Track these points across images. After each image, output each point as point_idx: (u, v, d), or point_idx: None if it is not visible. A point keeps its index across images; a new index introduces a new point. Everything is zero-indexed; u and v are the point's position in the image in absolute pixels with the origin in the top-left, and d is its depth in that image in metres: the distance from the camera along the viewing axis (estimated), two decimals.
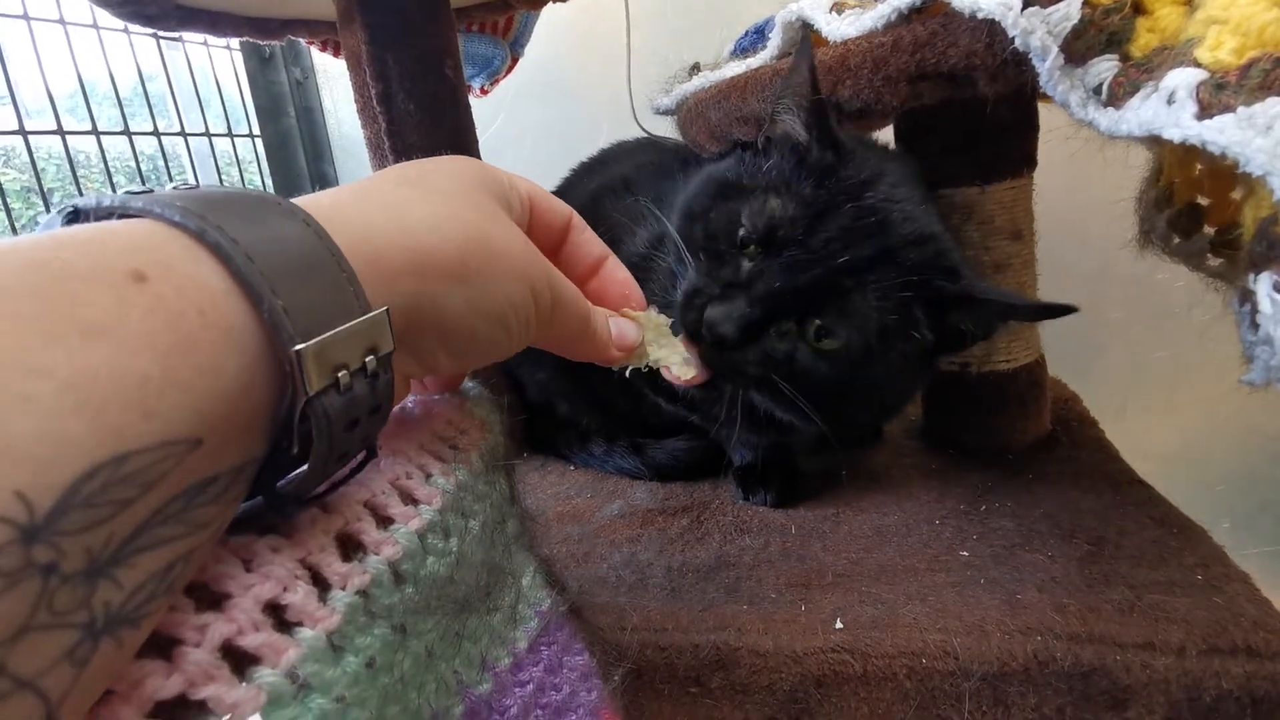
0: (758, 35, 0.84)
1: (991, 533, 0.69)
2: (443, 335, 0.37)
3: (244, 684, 0.26)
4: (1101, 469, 0.79)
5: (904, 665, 0.55)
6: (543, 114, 1.63)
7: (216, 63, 1.49)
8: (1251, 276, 0.43)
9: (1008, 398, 0.84)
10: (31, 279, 0.22)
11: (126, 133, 1.23)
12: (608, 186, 0.96)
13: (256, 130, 1.62)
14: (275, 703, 0.26)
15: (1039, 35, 0.51)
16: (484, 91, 1.34)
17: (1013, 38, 0.52)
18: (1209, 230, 0.59)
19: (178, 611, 0.26)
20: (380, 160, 0.94)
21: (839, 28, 0.68)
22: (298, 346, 0.27)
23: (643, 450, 0.93)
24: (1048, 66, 0.52)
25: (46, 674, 0.20)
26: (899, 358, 0.64)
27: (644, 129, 1.18)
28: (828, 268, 0.61)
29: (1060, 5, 0.51)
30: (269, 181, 1.64)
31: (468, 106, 0.97)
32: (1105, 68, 0.51)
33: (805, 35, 0.65)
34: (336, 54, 1.22)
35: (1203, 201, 0.59)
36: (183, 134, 1.38)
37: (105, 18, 1.06)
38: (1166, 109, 0.45)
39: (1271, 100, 0.40)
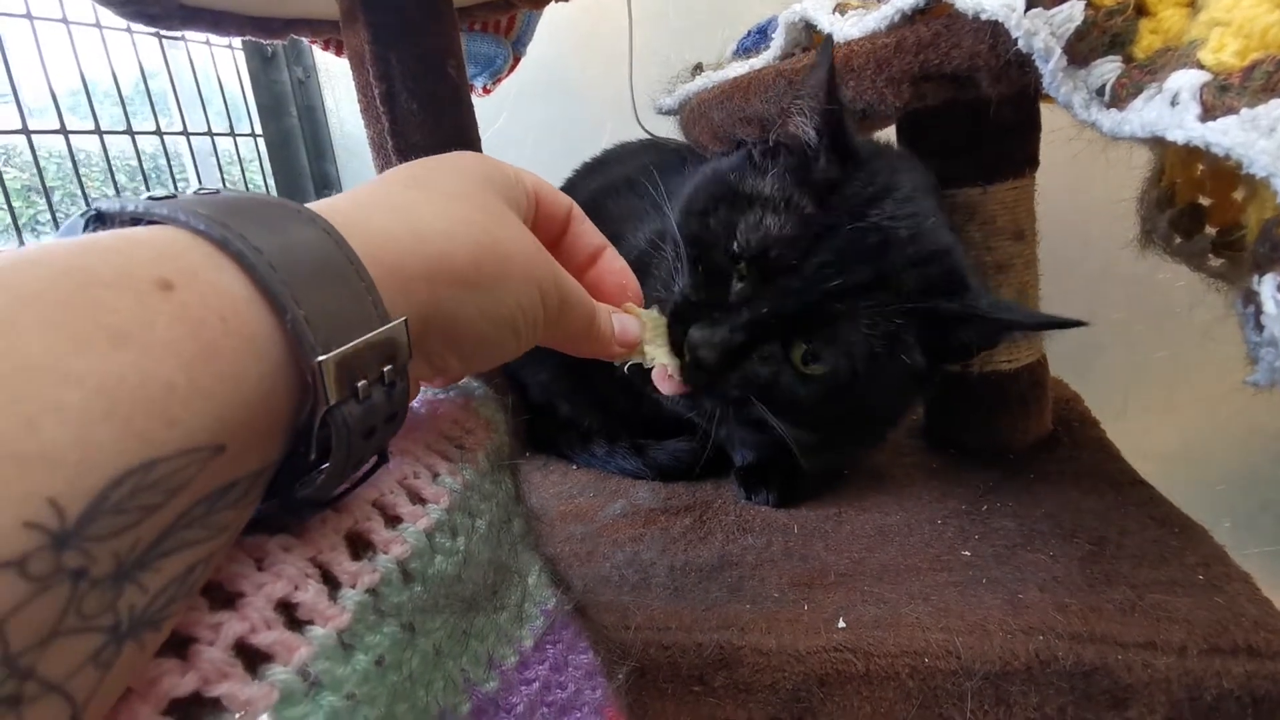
0: (760, 35, 0.85)
1: (993, 532, 0.69)
2: (454, 340, 0.37)
3: (257, 681, 0.26)
4: (1103, 469, 0.79)
5: (906, 664, 0.55)
6: (545, 113, 1.63)
7: (219, 61, 1.49)
8: (1255, 278, 0.43)
9: (1009, 398, 0.84)
10: (60, 287, 0.22)
11: (129, 132, 1.23)
12: (610, 186, 0.96)
13: (259, 129, 1.62)
14: (287, 700, 0.26)
15: (1042, 37, 0.51)
16: (486, 91, 1.35)
17: (1016, 39, 0.53)
18: (1211, 231, 0.59)
19: (193, 610, 0.26)
20: (383, 159, 0.94)
21: (842, 28, 0.68)
22: (320, 357, 0.27)
23: (644, 451, 0.93)
24: (1051, 68, 0.52)
25: (73, 677, 0.20)
26: (888, 381, 0.64)
27: (646, 129, 1.18)
28: (818, 292, 0.61)
29: (1063, 7, 0.51)
30: (271, 181, 1.65)
31: (470, 106, 0.97)
32: (1108, 69, 0.51)
33: (828, 38, 0.64)
34: (339, 53, 1.22)
35: (1204, 202, 0.60)
36: (185, 133, 1.38)
37: (108, 16, 1.06)
38: (1170, 110, 0.45)
39: (1275, 102, 0.41)
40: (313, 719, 0.27)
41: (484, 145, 1.00)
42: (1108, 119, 0.50)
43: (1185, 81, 0.44)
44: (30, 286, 0.22)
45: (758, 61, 0.79)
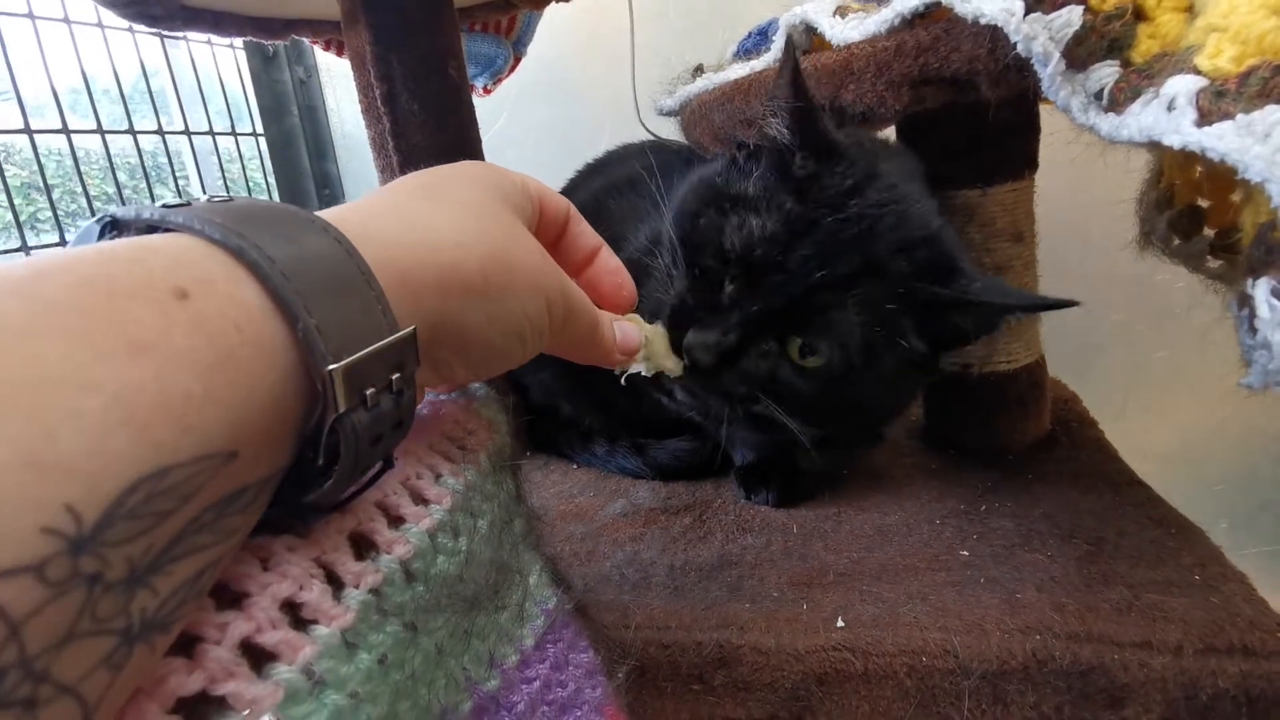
0: (761, 37, 0.85)
1: (991, 532, 0.69)
2: (461, 348, 0.38)
3: (262, 680, 0.26)
4: (1101, 469, 0.79)
5: (904, 663, 0.56)
6: (546, 113, 1.63)
7: (220, 61, 1.49)
8: (1250, 281, 0.43)
9: (1008, 398, 0.84)
10: (81, 296, 0.22)
11: (131, 131, 1.23)
12: (612, 186, 0.97)
13: (260, 129, 1.62)
14: (292, 698, 0.27)
15: (1041, 41, 0.52)
16: (487, 91, 1.35)
17: (1015, 43, 0.53)
18: (1209, 232, 0.60)
19: (200, 610, 0.26)
20: (384, 160, 0.95)
21: (842, 31, 0.68)
22: (330, 366, 0.27)
23: (645, 450, 0.93)
24: (1049, 72, 0.52)
25: (86, 679, 0.20)
26: (888, 368, 0.64)
27: (649, 130, 1.18)
28: (805, 286, 0.61)
29: (1062, 11, 0.52)
30: (272, 180, 1.65)
31: (471, 106, 0.97)
32: (1106, 73, 0.51)
33: (788, 39, 0.65)
34: (340, 53, 1.22)
35: (1203, 204, 0.60)
36: (186, 132, 1.38)
37: (110, 16, 1.07)
38: (1167, 115, 0.45)
39: (1270, 108, 0.41)
40: (317, 717, 0.27)
41: (485, 146, 1.00)
42: (1106, 123, 0.51)
43: (1182, 87, 0.45)
44: (52, 295, 0.22)
45: (758, 63, 0.80)
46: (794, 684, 0.58)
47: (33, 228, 1.15)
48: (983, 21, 0.54)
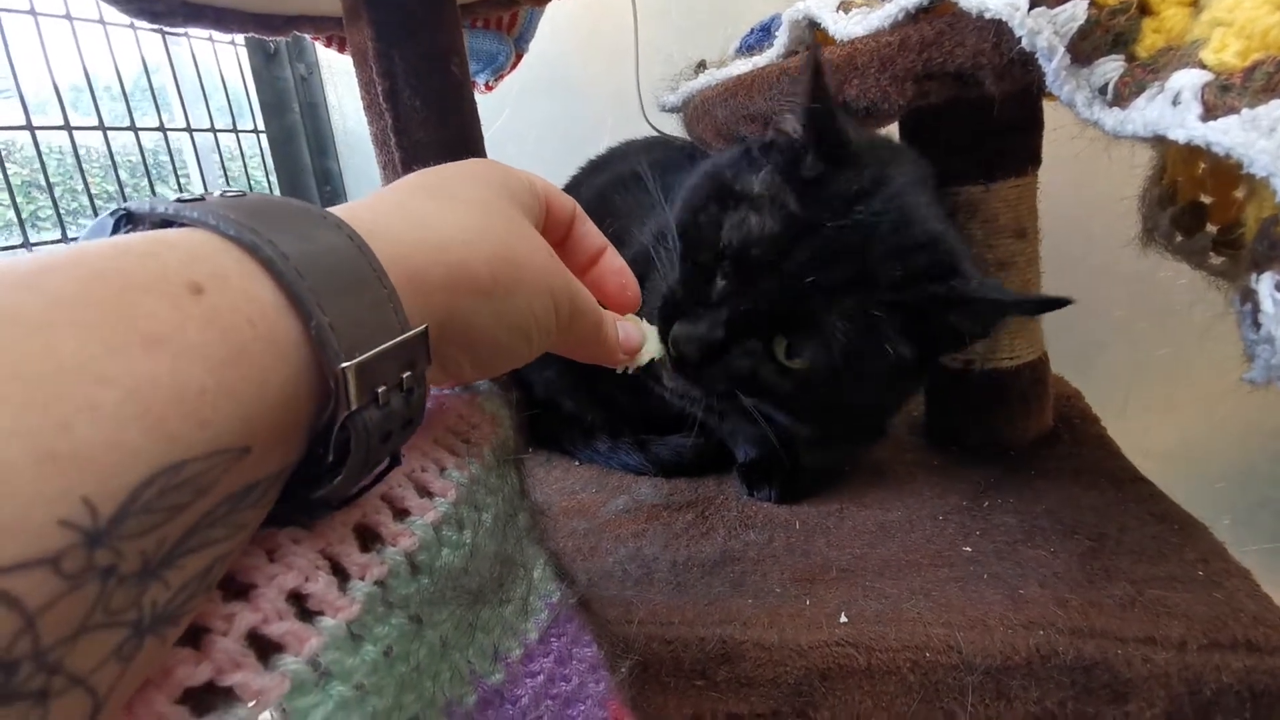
0: (764, 33, 0.85)
1: (994, 528, 0.69)
2: (469, 347, 0.38)
3: (269, 671, 0.26)
4: (1103, 466, 0.79)
5: (908, 659, 0.56)
6: (547, 110, 1.63)
7: (221, 57, 1.49)
8: (1253, 276, 0.43)
9: (1010, 395, 0.84)
10: (95, 290, 0.22)
11: (133, 128, 1.23)
12: (617, 182, 0.97)
13: (261, 125, 1.62)
14: (298, 690, 0.27)
15: (1046, 35, 0.52)
16: (489, 87, 1.35)
17: (1019, 37, 0.53)
18: (1211, 229, 0.60)
19: (207, 601, 0.26)
20: (386, 156, 0.95)
21: (846, 26, 0.68)
22: (343, 364, 0.27)
23: (647, 446, 0.93)
24: (1054, 66, 0.52)
25: (97, 671, 0.20)
26: (873, 374, 0.64)
27: (653, 126, 1.18)
28: (795, 290, 0.62)
29: (1067, 6, 0.52)
30: (273, 177, 1.65)
31: (473, 103, 0.97)
32: (1111, 68, 0.51)
33: (814, 45, 0.65)
34: (341, 50, 1.22)
35: (1205, 200, 0.60)
36: (188, 129, 1.38)
37: (111, 12, 1.07)
38: (1172, 110, 0.45)
39: (1275, 102, 0.41)
40: (323, 708, 0.28)
41: (486, 142, 1.00)
42: (1110, 118, 0.51)
43: (1187, 81, 0.45)
44: (67, 289, 0.22)
45: (761, 59, 0.80)
46: (797, 679, 0.58)
47: (34, 225, 1.15)
48: (987, 16, 0.54)
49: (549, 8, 1.26)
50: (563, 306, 0.42)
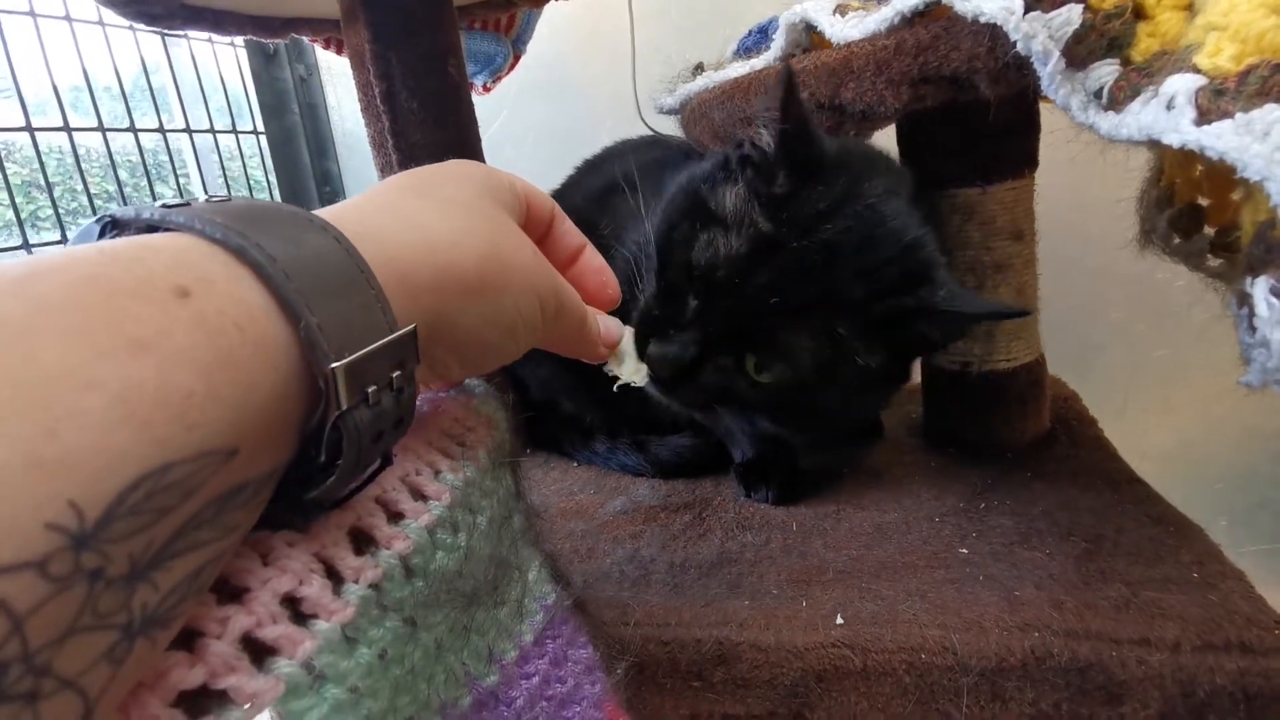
0: (761, 35, 0.85)
1: (990, 530, 0.70)
2: (456, 346, 0.38)
3: (263, 674, 0.27)
4: (1100, 467, 0.79)
5: (903, 660, 0.56)
6: (545, 111, 1.63)
7: (221, 59, 1.49)
8: (1249, 280, 0.43)
9: (1007, 397, 0.84)
10: (82, 294, 0.23)
11: (132, 129, 1.23)
12: (612, 183, 0.97)
13: (260, 127, 1.62)
14: (293, 693, 0.27)
15: (1040, 39, 0.52)
16: (486, 89, 1.35)
17: (1014, 42, 0.53)
18: (1209, 231, 0.60)
19: (201, 604, 0.27)
20: (384, 157, 0.95)
21: (842, 30, 0.68)
22: (333, 364, 0.27)
23: (645, 447, 0.93)
24: (1049, 70, 0.52)
25: (87, 673, 0.20)
26: (845, 382, 0.66)
27: (650, 127, 1.18)
28: (759, 310, 0.63)
29: (1062, 10, 0.52)
30: (272, 178, 1.65)
31: (471, 104, 0.97)
32: (1106, 72, 0.52)
33: (787, 66, 0.65)
34: (340, 51, 1.22)
35: (1203, 202, 0.60)
36: (187, 130, 1.38)
37: (110, 14, 1.07)
38: (1166, 114, 0.45)
39: (1269, 107, 0.41)
40: (317, 711, 0.28)
41: (484, 143, 1.00)
42: (1105, 121, 0.51)
43: (1181, 85, 0.45)
44: (53, 294, 0.22)
45: (758, 62, 0.80)
46: (793, 681, 0.58)
47: (33, 226, 1.15)
48: (982, 20, 0.54)
49: (547, 9, 1.26)
50: (549, 304, 0.43)
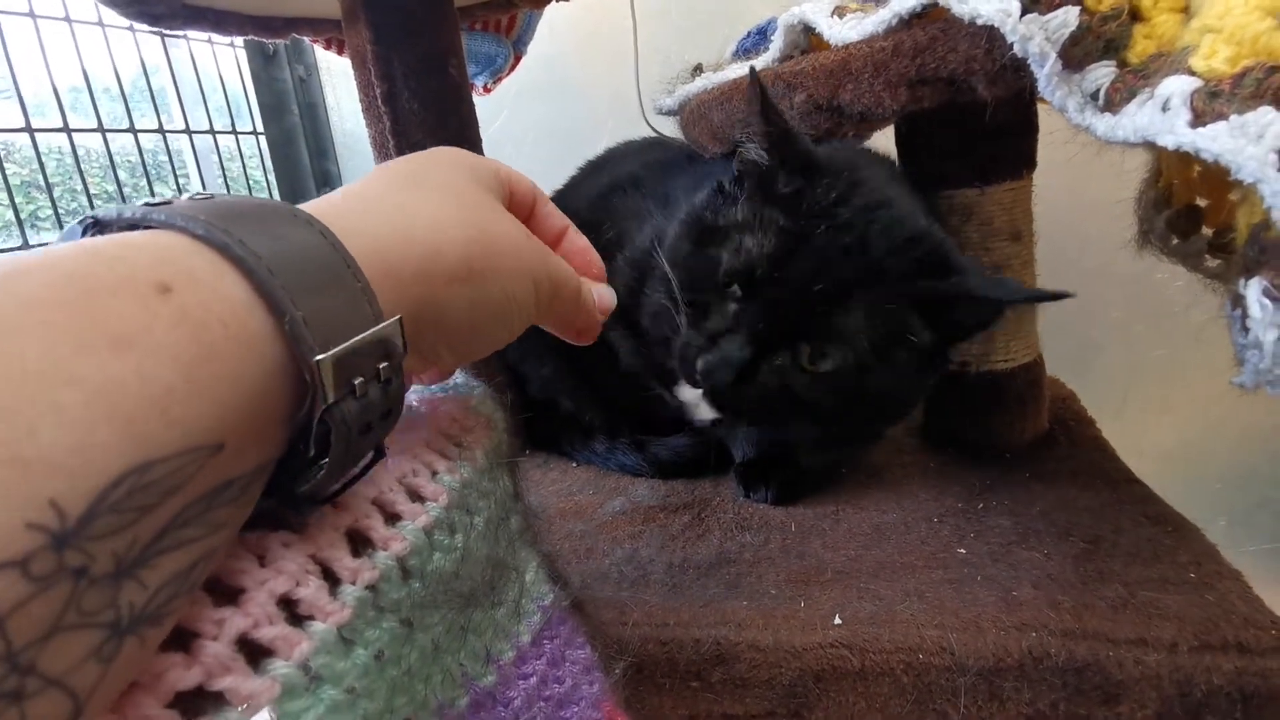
0: (760, 36, 0.85)
1: (989, 531, 0.70)
2: (445, 334, 0.38)
3: (259, 676, 0.27)
4: (1098, 467, 0.80)
5: (901, 661, 0.56)
6: (546, 112, 1.63)
7: (220, 59, 1.49)
8: (1242, 281, 0.44)
9: (1006, 397, 0.84)
10: (63, 291, 0.23)
11: (132, 130, 1.23)
12: (616, 184, 0.97)
13: (260, 127, 1.63)
14: (289, 694, 0.27)
15: (1037, 41, 0.52)
16: (487, 90, 1.35)
17: (1011, 44, 0.53)
18: (1207, 231, 0.60)
19: (196, 606, 0.27)
20: (384, 158, 0.95)
21: (840, 31, 0.68)
22: (319, 357, 0.27)
23: (645, 447, 0.93)
24: (1046, 72, 0.52)
25: (74, 672, 0.21)
26: (900, 365, 0.66)
27: (653, 128, 1.18)
28: (807, 296, 0.63)
29: (1059, 12, 0.52)
30: (272, 178, 1.65)
31: (471, 105, 0.98)
32: (1102, 74, 0.52)
33: (753, 70, 0.65)
34: (340, 52, 1.22)
35: (1201, 203, 0.60)
36: (187, 130, 1.38)
37: (110, 15, 1.07)
38: (1161, 116, 0.45)
39: (1264, 109, 0.41)
40: (313, 712, 0.28)
41: (485, 143, 1.01)
42: (1101, 123, 0.51)
43: (1177, 87, 0.45)
44: (34, 293, 0.22)
45: (757, 63, 0.80)
46: (791, 681, 0.58)
47: (33, 226, 1.15)
48: (979, 22, 0.54)
49: (547, 10, 1.26)
50: (543, 285, 0.43)
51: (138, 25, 1.12)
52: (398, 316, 0.32)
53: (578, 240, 0.54)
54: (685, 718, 0.61)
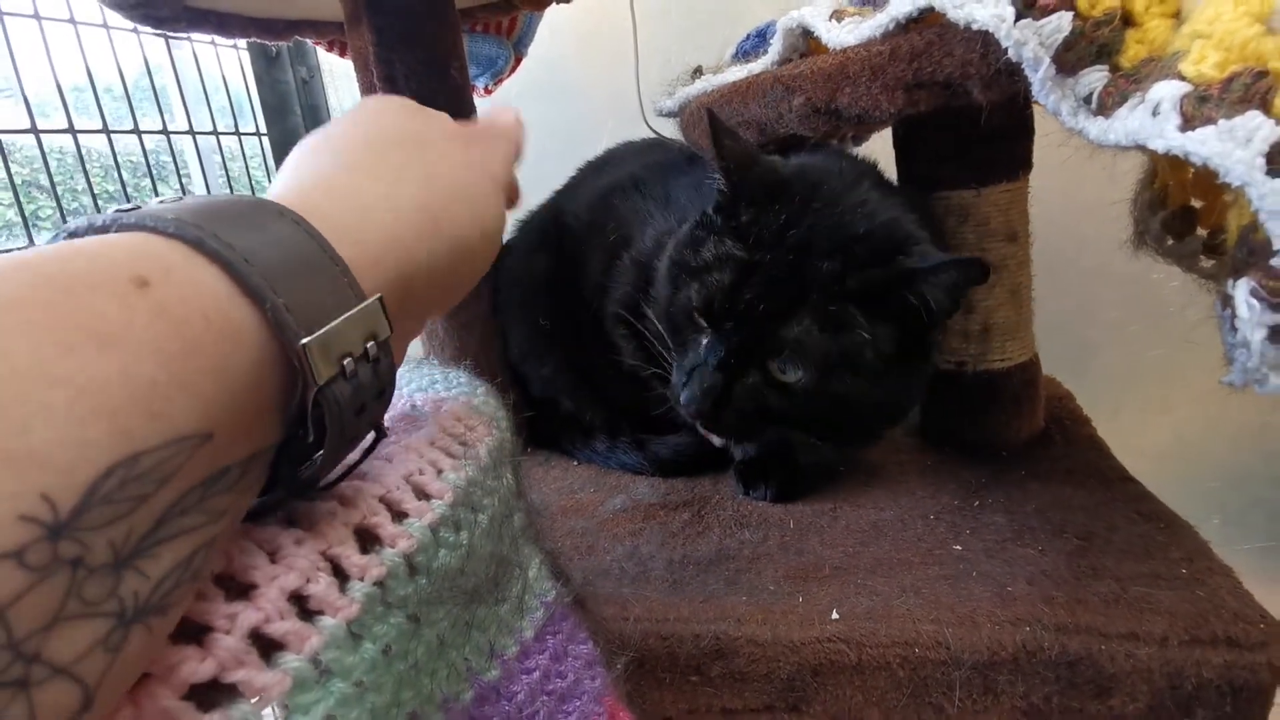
0: (759, 38, 0.86)
1: (984, 527, 0.71)
2: (431, 288, 0.38)
3: (271, 669, 0.27)
4: (1093, 466, 0.80)
5: (897, 655, 0.57)
6: (546, 113, 1.63)
7: (223, 61, 1.49)
8: (1231, 281, 0.44)
9: (1002, 397, 0.85)
10: (42, 291, 0.23)
11: (136, 131, 1.24)
12: (617, 186, 0.98)
13: (263, 128, 1.63)
14: (300, 687, 0.28)
15: (1031, 46, 0.53)
16: (488, 91, 1.35)
17: (1006, 49, 0.54)
18: (1202, 232, 0.61)
19: (209, 601, 0.27)
20: None
21: (838, 35, 0.69)
22: (303, 341, 0.28)
23: (645, 446, 0.94)
24: (1039, 77, 0.53)
25: (81, 660, 0.21)
26: (868, 364, 0.67)
27: (653, 130, 1.19)
28: (760, 317, 0.67)
29: (1052, 17, 0.52)
30: (275, 179, 1.65)
31: (473, 107, 0.98)
32: (1095, 78, 0.52)
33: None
34: (343, 54, 1.23)
35: (1195, 204, 0.61)
36: (190, 132, 1.39)
37: (114, 16, 1.07)
38: (1152, 120, 0.46)
39: (1251, 113, 0.42)
40: (323, 705, 0.28)
41: None
42: (1094, 127, 0.51)
43: (1167, 92, 0.46)
44: (14, 293, 0.23)
45: (756, 66, 0.80)
46: (789, 675, 0.59)
47: (34, 225, 1.16)
48: (974, 27, 0.55)
49: (548, 11, 1.26)
50: (501, 178, 0.45)
51: (142, 27, 1.13)
52: (378, 295, 0.32)
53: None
54: (685, 712, 0.61)
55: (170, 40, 1.32)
